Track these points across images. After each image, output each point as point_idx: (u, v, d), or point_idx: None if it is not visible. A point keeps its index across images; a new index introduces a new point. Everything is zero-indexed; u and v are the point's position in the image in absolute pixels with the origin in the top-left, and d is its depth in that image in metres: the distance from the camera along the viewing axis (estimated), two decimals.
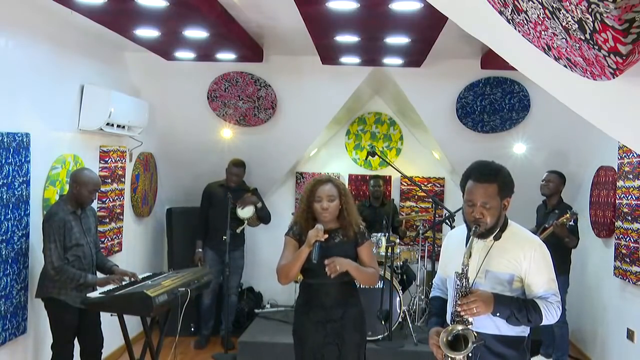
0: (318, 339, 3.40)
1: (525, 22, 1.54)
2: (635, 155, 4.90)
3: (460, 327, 2.57)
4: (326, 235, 3.29)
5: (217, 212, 6.12)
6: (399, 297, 5.73)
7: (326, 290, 3.40)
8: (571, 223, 5.21)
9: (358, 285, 3.65)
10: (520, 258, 2.65)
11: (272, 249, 7.25)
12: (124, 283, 4.23)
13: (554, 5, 1.31)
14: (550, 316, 2.63)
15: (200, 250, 6.23)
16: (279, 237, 7.35)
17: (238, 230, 6.19)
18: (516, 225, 2.80)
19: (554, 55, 1.57)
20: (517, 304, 2.60)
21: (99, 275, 4.37)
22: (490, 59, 5.46)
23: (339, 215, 3.43)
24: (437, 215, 6.16)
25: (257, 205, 6.25)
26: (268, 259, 7.23)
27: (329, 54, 5.49)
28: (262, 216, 6.37)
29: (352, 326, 3.43)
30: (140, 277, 4.42)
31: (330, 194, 3.38)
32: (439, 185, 7.16)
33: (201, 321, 6.35)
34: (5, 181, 3.90)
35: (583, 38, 1.31)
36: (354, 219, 3.44)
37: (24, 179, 4.13)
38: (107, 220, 5.41)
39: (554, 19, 1.36)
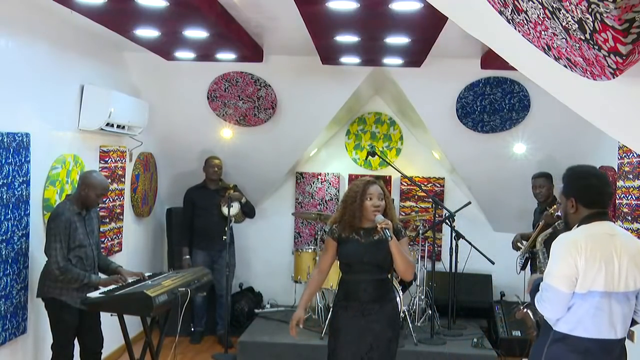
0: (352, 332, 3.55)
1: (525, 22, 1.54)
2: (635, 155, 4.90)
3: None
4: (390, 222, 3.48)
5: (203, 215, 6.19)
6: (399, 297, 5.73)
7: (364, 286, 3.55)
8: (558, 213, 5.30)
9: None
10: None
11: (273, 249, 7.27)
12: (127, 282, 4.23)
13: (554, 5, 1.31)
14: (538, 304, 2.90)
15: (187, 257, 6.25)
16: (280, 237, 7.43)
17: (226, 228, 6.18)
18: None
19: (554, 55, 1.57)
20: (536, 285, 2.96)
21: (101, 276, 4.38)
22: (490, 59, 5.46)
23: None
24: (437, 215, 6.16)
25: (242, 200, 6.27)
26: (269, 259, 7.24)
27: (329, 54, 5.49)
28: (247, 211, 6.42)
29: (386, 322, 3.59)
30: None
31: (380, 193, 3.59)
32: (439, 185, 7.15)
33: (194, 318, 6.40)
34: (5, 181, 3.90)
35: (583, 38, 1.31)
36: (393, 218, 3.62)
37: (24, 179, 4.13)
38: (107, 220, 5.42)
39: (554, 19, 1.36)
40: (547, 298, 2.77)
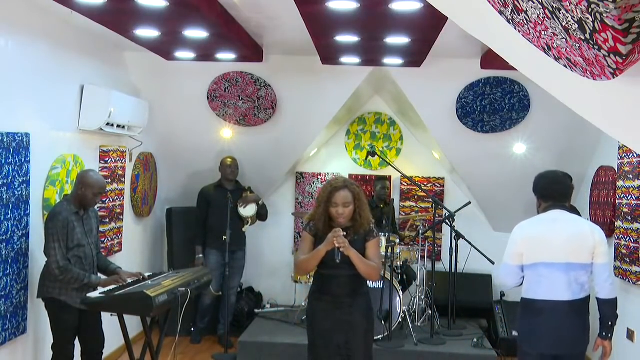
0: (328, 324, 3.66)
1: (525, 22, 1.54)
2: (635, 155, 4.90)
3: None
4: (346, 241, 3.50)
5: (217, 214, 6.12)
6: (399, 297, 5.73)
7: (337, 281, 3.65)
8: None
9: None
10: None
11: (273, 249, 7.27)
12: (127, 282, 4.22)
13: (554, 5, 1.31)
14: None
15: (200, 256, 6.22)
16: (280, 237, 7.43)
17: (244, 229, 6.20)
18: None
19: (554, 55, 1.57)
20: None
21: (101, 277, 4.37)
22: (490, 59, 5.46)
23: (352, 217, 3.66)
24: (437, 215, 6.16)
25: (259, 202, 6.29)
26: (269, 259, 7.25)
27: (329, 54, 5.49)
28: (263, 214, 6.41)
29: (360, 314, 3.69)
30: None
31: (346, 200, 3.61)
32: (439, 185, 7.16)
33: (197, 317, 6.35)
34: (5, 181, 3.90)
35: (583, 38, 1.31)
36: (365, 220, 3.68)
37: (24, 179, 4.13)
38: (107, 220, 5.41)
39: (554, 19, 1.36)
40: (502, 271, 3.71)
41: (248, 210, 6.21)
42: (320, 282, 3.76)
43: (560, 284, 3.54)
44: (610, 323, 3.67)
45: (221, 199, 6.08)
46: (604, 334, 3.68)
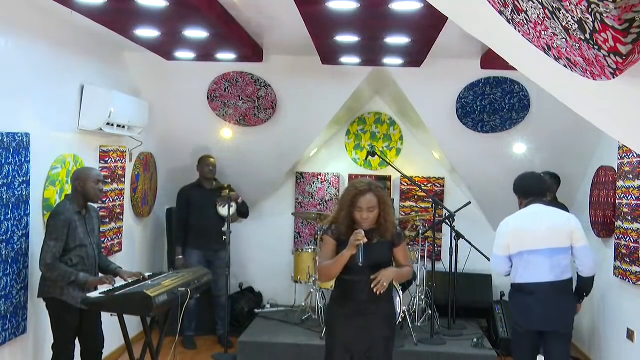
0: (348, 331, 3.54)
1: (525, 22, 1.54)
2: (635, 155, 4.90)
3: None
4: (365, 239, 3.41)
5: (198, 213, 6.12)
6: (399, 297, 5.73)
7: (361, 286, 3.51)
8: None
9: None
10: None
11: (273, 249, 7.27)
12: (118, 285, 4.18)
13: (554, 5, 1.31)
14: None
15: (180, 257, 6.15)
16: (280, 237, 7.43)
17: (224, 229, 6.12)
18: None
19: (554, 55, 1.57)
20: None
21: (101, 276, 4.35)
22: (490, 59, 5.46)
23: (377, 221, 3.56)
24: (437, 215, 6.16)
25: (238, 201, 6.24)
26: (269, 259, 7.24)
27: (329, 54, 5.49)
28: (244, 211, 6.39)
29: (383, 321, 3.58)
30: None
31: (371, 205, 3.50)
32: (439, 185, 7.16)
33: (184, 322, 5.85)
34: (5, 181, 3.90)
35: (583, 38, 1.31)
36: (391, 224, 3.58)
37: (24, 179, 4.13)
38: (107, 220, 5.41)
39: (554, 19, 1.36)
40: (493, 261, 4.30)
41: (227, 209, 6.17)
42: (342, 288, 3.61)
43: (544, 267, 4.06)
44: (585, 294, 4.28)
45: (202, 199, 6.10)
46: (579, 299, 4.32)
